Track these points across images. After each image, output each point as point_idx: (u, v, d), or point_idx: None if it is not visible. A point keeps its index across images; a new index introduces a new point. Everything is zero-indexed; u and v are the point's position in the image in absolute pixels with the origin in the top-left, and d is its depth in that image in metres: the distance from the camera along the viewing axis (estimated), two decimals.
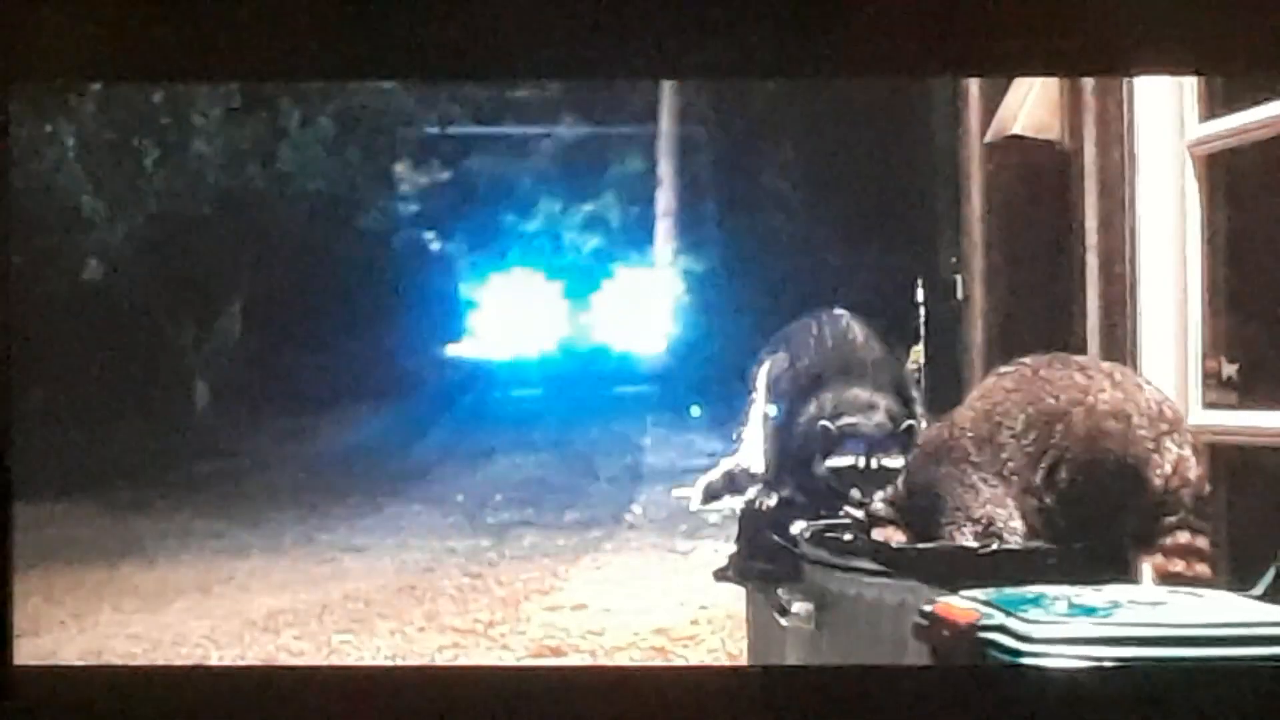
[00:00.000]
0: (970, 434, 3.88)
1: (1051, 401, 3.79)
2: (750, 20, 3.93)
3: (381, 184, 13.69)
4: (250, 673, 5.46)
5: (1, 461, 4.10)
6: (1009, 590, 3.27)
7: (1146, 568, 3.69)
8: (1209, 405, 4.64)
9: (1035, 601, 3.14)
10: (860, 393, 4.64)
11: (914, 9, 3.76)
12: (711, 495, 5.16)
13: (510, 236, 16.53)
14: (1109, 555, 3.70)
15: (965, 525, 3.85)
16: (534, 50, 3.76)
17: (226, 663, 6.68)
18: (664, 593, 8.10)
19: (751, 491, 4.83)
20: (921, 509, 3.97)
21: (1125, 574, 3.65)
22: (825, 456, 4.60)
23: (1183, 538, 3.70)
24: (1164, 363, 4.66)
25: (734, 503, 4.90)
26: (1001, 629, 3.04)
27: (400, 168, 14.11)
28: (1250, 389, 4.65)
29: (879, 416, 4.57)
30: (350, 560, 9.38)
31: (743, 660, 6.36)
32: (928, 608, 3.31)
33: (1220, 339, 4.72)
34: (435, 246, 15.82)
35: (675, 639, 7.12)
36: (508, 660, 6.79)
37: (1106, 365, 3.95)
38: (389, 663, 6.69)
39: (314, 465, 13.79)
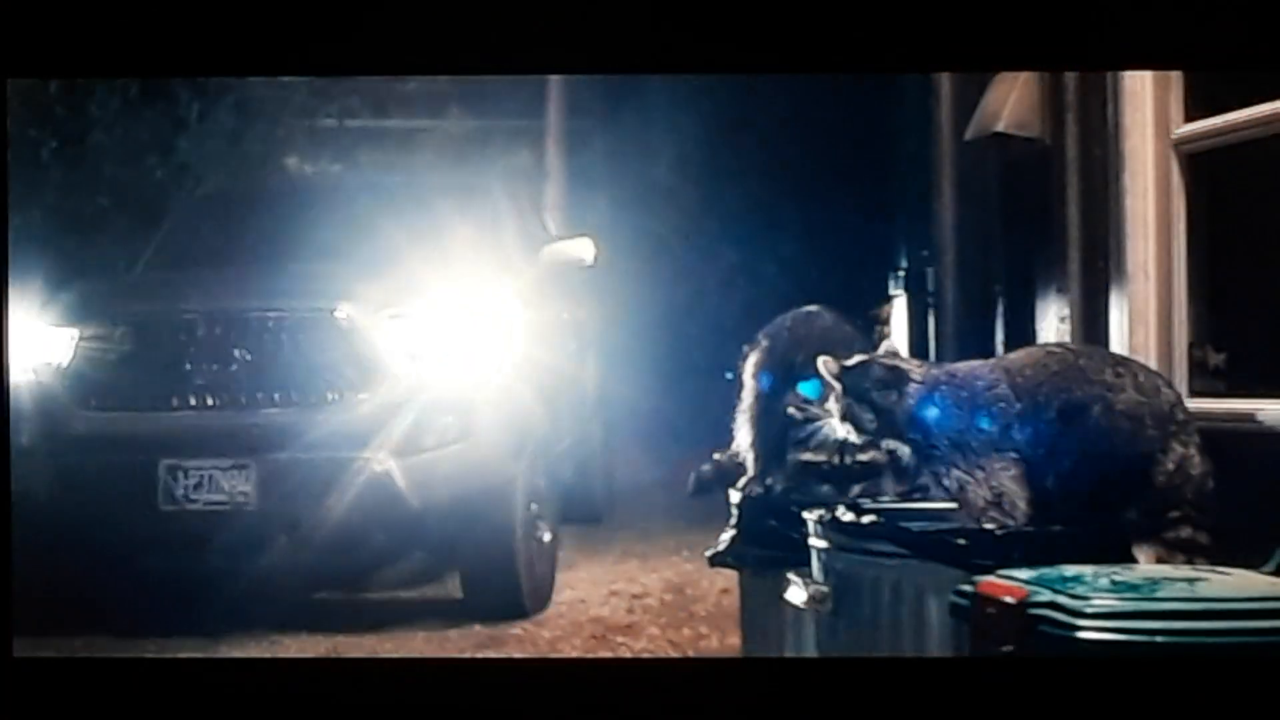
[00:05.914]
0: (1017, 408, 3.99)
1: (1079, 394, 3.92)
2: (723, 14, 3.98)
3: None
4: (249, 665, 5.43)
5: (3, 459, 4.07)
6: (1045, 569, 3.36)
7: (1149, 558, 3.83)
8: (1195, 394, 4.79)
9: (1079, 579, 3.25)
10: None
11: (895, 3, 3.84)
12: (702, 486, 5.20)
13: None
14: (1115, 541, 3.83)
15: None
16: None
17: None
18: (593, 583, 8.10)
19: (742, 479, 4.88)
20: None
21: (1131, 560, 3.79)
22: (796, 445, 4.66)
23: (1185, 532, 3.86)
24: (1149, 353, 4.80)
25: (729, 495, 4.92)
26: (1053, 605, 3.13)
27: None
28: (1237, 377, 4.80)
29: None
30: None
31: (704, 650, 6.44)
32: (968, 587, 3.38)
33: (1207, 329, 4.86)
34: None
35: (612, 628, 7.11)
36: (449, 654, 6.74)
37: (1137, 364, 4.10)
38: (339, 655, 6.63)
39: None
